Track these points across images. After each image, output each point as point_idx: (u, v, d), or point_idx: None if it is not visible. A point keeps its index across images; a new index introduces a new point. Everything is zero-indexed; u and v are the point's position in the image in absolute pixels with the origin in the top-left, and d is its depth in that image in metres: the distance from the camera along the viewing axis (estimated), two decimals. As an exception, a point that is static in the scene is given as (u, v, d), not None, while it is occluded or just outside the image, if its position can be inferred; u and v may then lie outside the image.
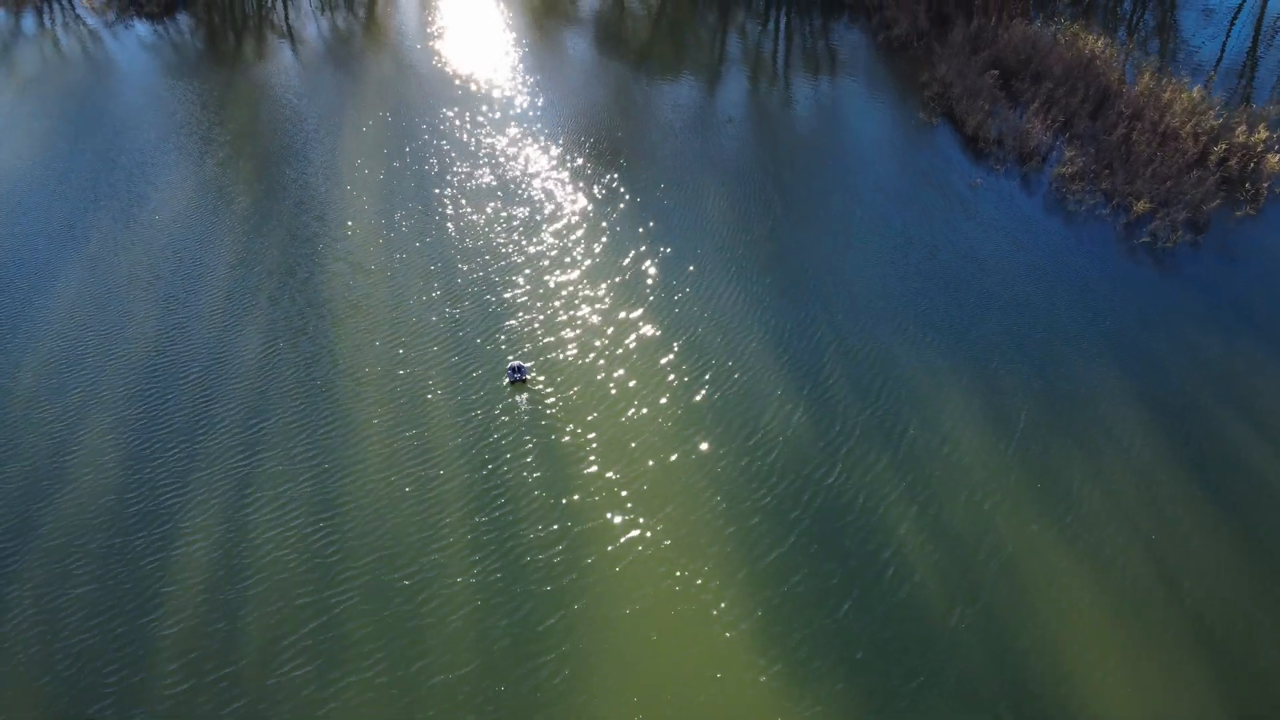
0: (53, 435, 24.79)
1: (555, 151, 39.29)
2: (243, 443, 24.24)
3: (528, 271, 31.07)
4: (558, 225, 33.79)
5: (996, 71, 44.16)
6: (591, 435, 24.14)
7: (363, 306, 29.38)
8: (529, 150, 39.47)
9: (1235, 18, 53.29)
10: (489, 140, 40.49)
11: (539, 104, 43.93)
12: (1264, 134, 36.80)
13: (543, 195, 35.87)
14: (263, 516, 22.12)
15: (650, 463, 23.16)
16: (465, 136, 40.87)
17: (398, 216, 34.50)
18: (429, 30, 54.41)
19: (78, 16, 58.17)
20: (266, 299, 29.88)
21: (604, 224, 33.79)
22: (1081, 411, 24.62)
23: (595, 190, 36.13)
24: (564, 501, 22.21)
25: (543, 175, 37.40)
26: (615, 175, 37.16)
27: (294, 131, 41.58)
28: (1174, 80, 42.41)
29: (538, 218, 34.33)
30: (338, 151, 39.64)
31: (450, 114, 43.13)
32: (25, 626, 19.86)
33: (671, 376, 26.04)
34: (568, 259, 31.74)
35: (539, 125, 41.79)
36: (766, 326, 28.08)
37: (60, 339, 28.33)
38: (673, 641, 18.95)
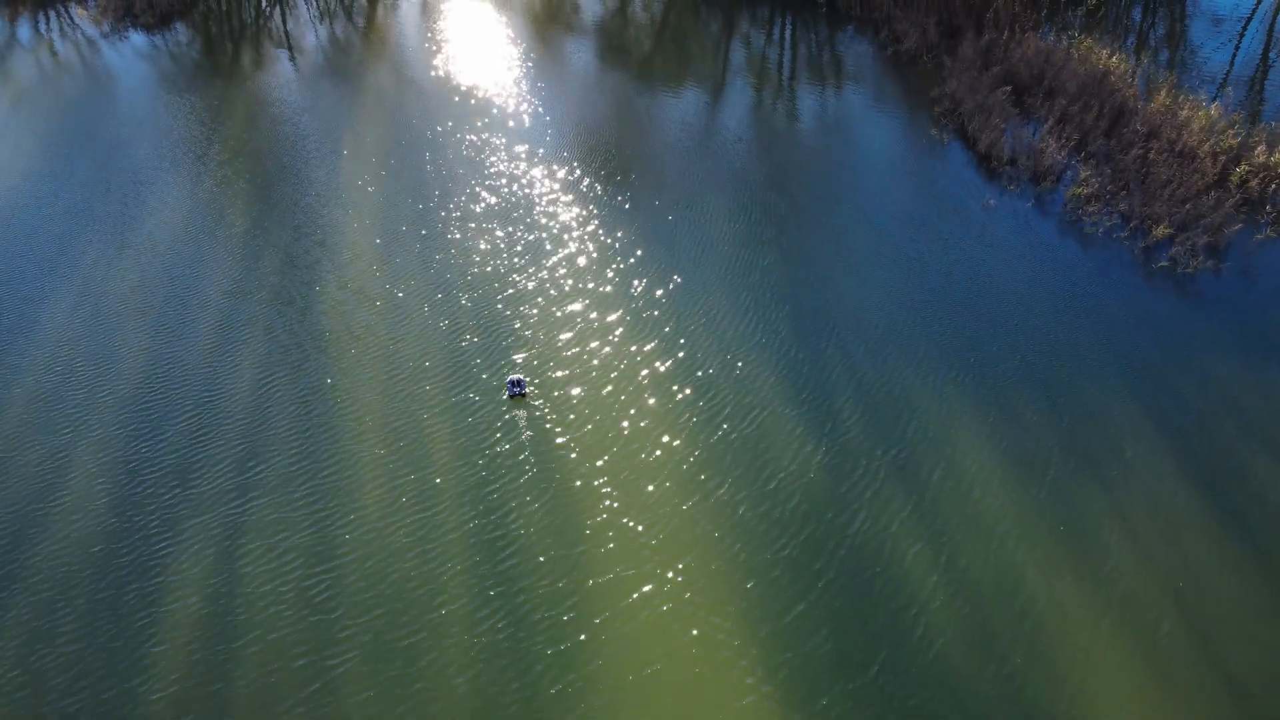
0: (40, 478, 23.79)
1: (560, 171, 38.35)
2: (238, 486, 23.25)
3: (535, 301, 30.11)
4: (564, 252, 32.84)
5: (1009, 87, 43.31)
6: (604, 479, 23.20)
7: (364, 339, 28.41)
8: (533, 170, 38.52)
9: (1245, 26, 52.54)
10: (492, 159, 39.52)
11: (542, 118, 42.97)
12: (1285, 154, 35.99)
13: (547, 219, 34.92)
14: (259, 568, 21.13)
15: (665, 509, 22.22)
16: (468, 153, 39.91)
17: (400, 241, 33.53)
18: (430, 39, 53.41)
19: (74, 25, 57.13)
20: (263, 330, 28.89)
21: (611, 251, 32.85)
22: (1109, 455, 23.71)
23: (601, 214, 35.18)
24: (575, 552, 21.26)
25: (548, 198, 36.45)
26: (621, 198, 36.22)
27: (293, 149, 40.58)
28: (1190, 97, 41.61)
29: (543, 243, 33.37)
30: (338, 171, 38.65)
31: (453, 129, 42.15)
32: (10, 689, 18.85)
33: (686, 416, 25.09)
34: (574, 289, 30.78)
35: (543, 142, 40.83)
36: (783, 361, 27.15)
37: (49, 373, 27.32)
38: (692, 706, 18.00)
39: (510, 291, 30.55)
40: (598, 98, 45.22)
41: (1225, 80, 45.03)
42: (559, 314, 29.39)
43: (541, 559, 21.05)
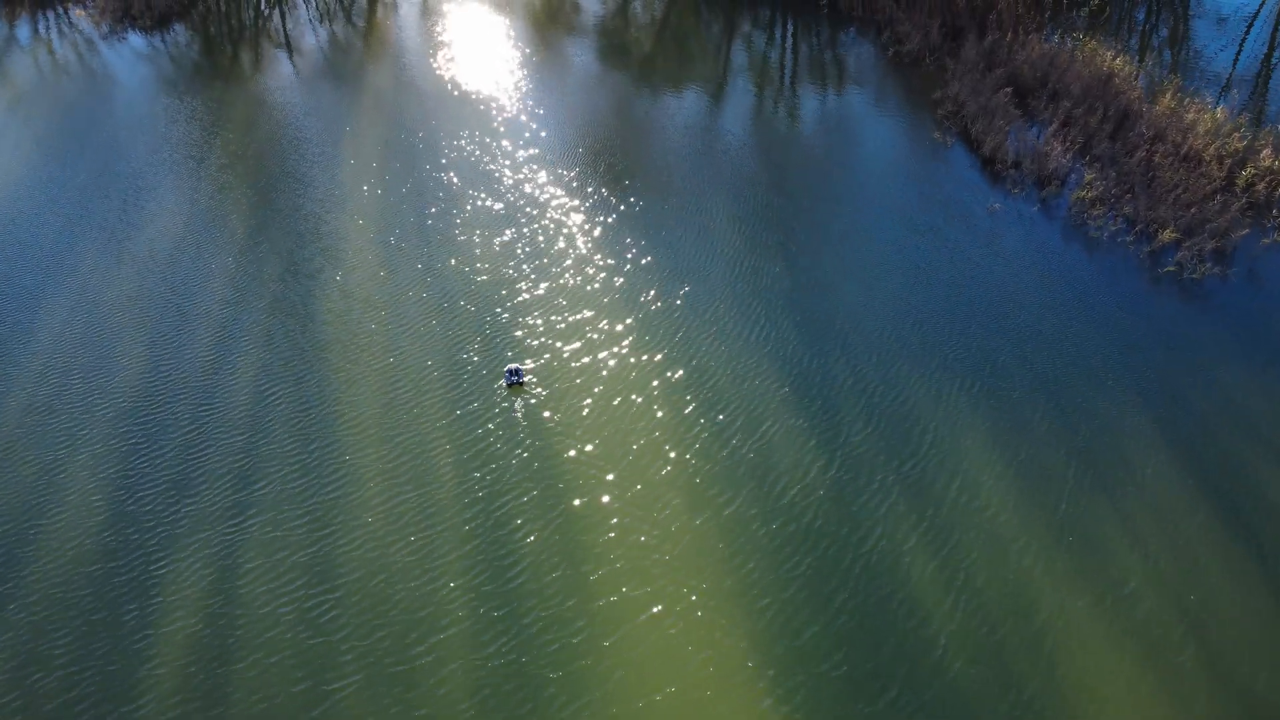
0: (34, 492, 23.25)
1: (564, 175, 37.87)
2: (237, 504, 22.75)
3: (539, 311, 29.63)
4: (569, 260, 32.37)
5: (1011, 89, 42.98)
6: (613, 495, 22.76)
7: (367, 350, 27.91)
8: (538, 174, 38.03)
9: (1250, 26, 52.30)
10: (494, 162, 39.03)
11: (544, 121, 42.47)
12: (1293, 158, 35.73)
13: (552, 225, 34.43)
14: (259, 588, 20.65)
15: (676, 526, 21.79)
16: (470, 157, 39.40)
17: (403, 249, 33.03)
18: (430, 40, 52.84)
19: (73, 25, 56.42)
20: (264, 340, 28.37)
21: (615, 261, 32.39)
22: (1123, 469, 23.37)
23: (606, 220, 34.72)
24: (583, 570, 20.82)
25: (552, 203, 35.98)
26: (625, 205, 35.77)
27: (293, 153, 40.03)
28: (1195, 100, 41.33)
29: (548, 250, 32.89)
30: (339, 176, 38.11)
31: (454, 131, 41.63)
32: (5, 713, 18.33)
33: (697, 429, 24.65)
34: (580, 297, 30.32)
35: (546, 145, 40.34)
36: (794, 372, 26.74)
37: (44, 383, 26.77)
38: (705, 731, 17.60)
39: (515, 300, 30.07)
40: (599, 99, 44.74)
41: (1230, 82, 44.77)
42: (565, 323, 28.93)
43: (549, 578, 20.60)
